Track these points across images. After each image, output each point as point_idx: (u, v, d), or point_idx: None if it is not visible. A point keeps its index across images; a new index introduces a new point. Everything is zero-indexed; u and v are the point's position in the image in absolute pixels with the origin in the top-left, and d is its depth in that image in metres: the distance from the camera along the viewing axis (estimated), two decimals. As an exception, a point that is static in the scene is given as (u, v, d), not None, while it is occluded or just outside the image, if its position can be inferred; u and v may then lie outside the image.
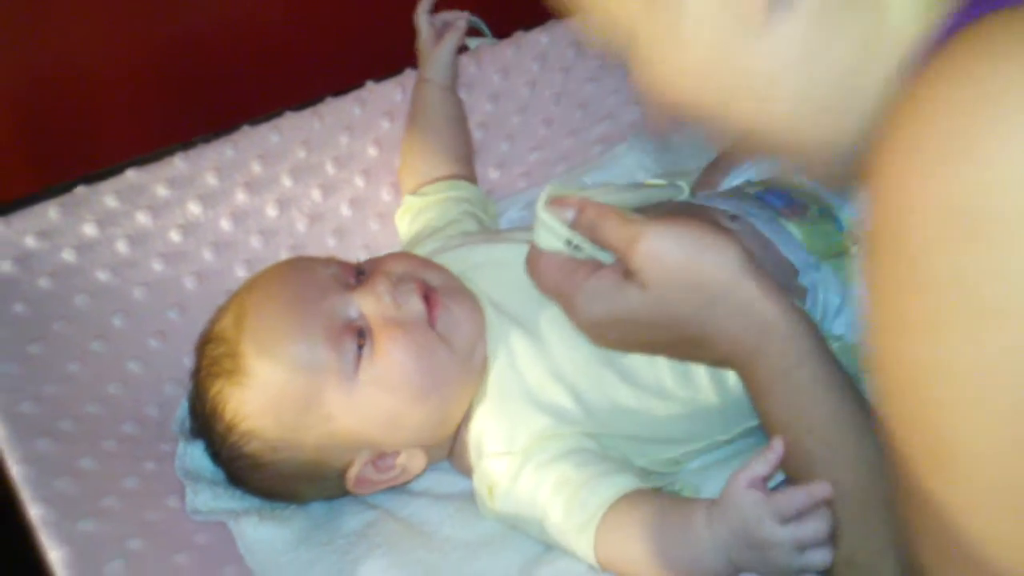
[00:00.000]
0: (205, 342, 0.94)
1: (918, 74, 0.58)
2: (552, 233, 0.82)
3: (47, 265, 1.02)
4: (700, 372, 0.93)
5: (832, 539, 0.73)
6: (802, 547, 0.72)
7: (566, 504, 0.85)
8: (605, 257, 0.82)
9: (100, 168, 1.09)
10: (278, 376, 0.88)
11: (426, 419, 0.91)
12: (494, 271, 0.98)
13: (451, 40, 1.17)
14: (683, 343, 0.81)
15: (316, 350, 0.88)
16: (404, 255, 0.99)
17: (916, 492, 0.62)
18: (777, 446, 0.74)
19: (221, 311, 0.95)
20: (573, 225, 0.82)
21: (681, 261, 0.77)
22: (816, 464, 0.76)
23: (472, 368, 0.92)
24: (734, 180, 1.11)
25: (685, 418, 0.93)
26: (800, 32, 0.63)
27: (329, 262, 0.95)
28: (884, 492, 0.69)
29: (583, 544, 0.84)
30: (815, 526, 0.72)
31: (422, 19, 1.18)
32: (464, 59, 1.21)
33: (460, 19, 1.19)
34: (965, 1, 0.58)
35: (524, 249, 0.92)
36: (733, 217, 0.98)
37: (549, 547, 0.90)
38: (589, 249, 0.82)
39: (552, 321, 0.93)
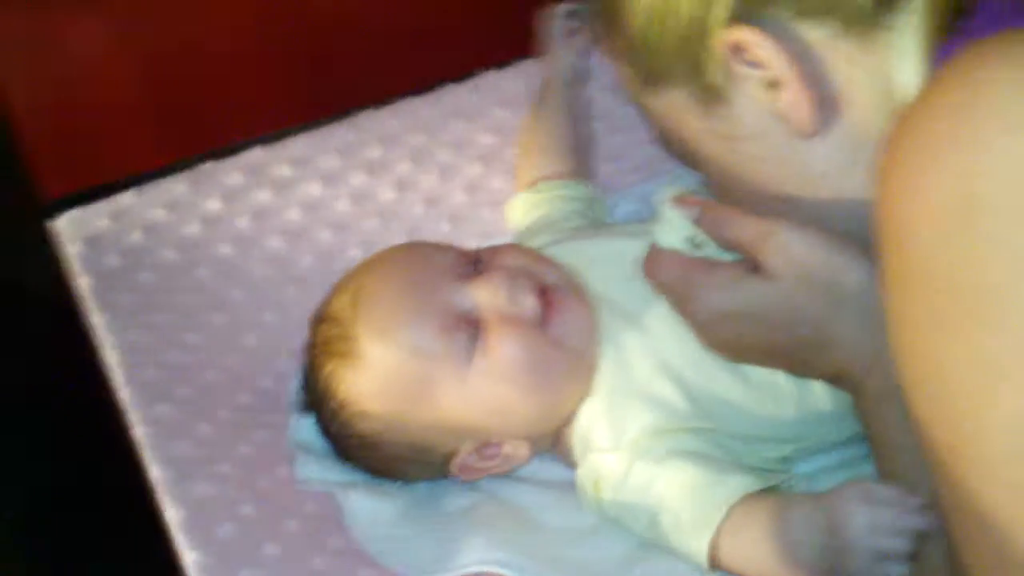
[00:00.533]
0: (320, 320, 0.96)
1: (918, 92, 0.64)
2: (675, 230, 0.82)
3: (174, 237, 1.06)
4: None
5: (909, 559, 0.75)
6: (881, 558, 0.75)
7: (683, 503, 0.85)
8: (726, 258, 0.82)
9: (227, 145, 1.13)
10: (390, 362, 0.89)
11: (533, 414, 0.92)
12: (605, 265, 0.99)
13: (581, 39, 1.17)
14: (800, 347, 0.80)
15: (429, 339, 0.89)
16: (521, 248, 1.00)
17: (947, 488, 0.63)
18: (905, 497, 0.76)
19: (337, 290, 0.97)
20: (698, 222, 0.82)
21: (814, 257, 0.77)
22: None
23: (582, 367, 0.92)
24: None
25: (796, 418, 0.93)
26: (846, 136, 0.74)
27: (447, 249, 0.97)
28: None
29: (697, 544, 0.84)
30: (898, 544, 0.74)
31: (555, 15, 1.19)
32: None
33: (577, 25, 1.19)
34: (959, 29, 0.66)
35: (635, 244, 0.93)
36: None
37: (644, 544, 0.90)
38: (711, 249, 0.82)
39: (662, 317, 0.93)
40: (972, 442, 0.59)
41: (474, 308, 0.90)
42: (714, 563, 0.85)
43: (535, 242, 1.07)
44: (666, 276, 0.84)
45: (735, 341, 0.83)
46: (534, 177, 1.15)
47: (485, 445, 0.93)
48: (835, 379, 0.81)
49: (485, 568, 0.85)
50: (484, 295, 0.90)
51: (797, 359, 0.82)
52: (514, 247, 1.00)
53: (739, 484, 0.85)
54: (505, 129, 1.20)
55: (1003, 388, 0.57)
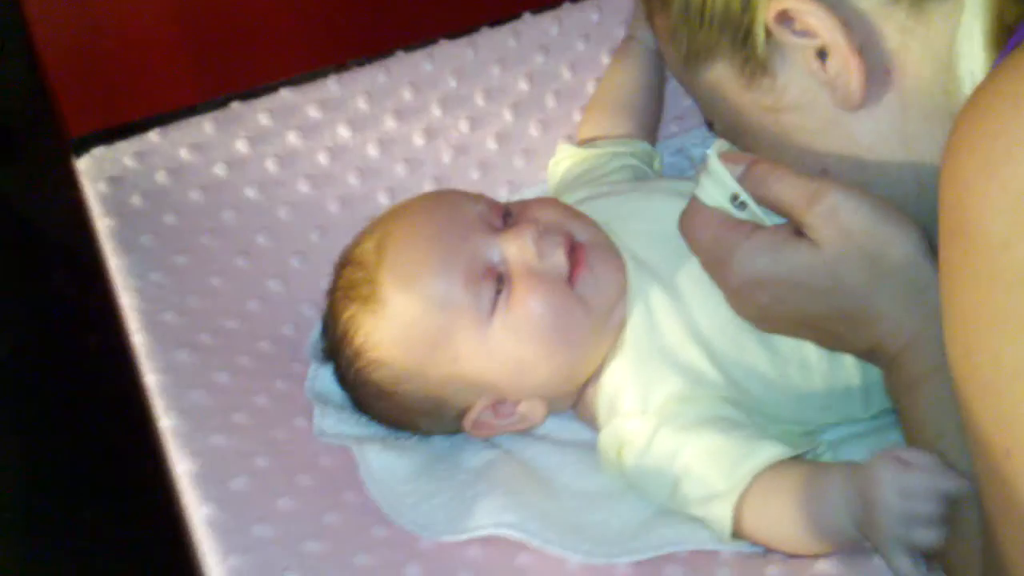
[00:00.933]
0: (344, 263, 0.95)
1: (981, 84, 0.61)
2: (719, 186, 0.80)
3: (199, 178, 1.05)
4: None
5: (943, 526, 0.72)
6: (909, 521, 0.73)
7: (708, 471, 0.84)
8: (768, 221, 0.79)
9: (257, 86, 1.10)
10: (412, 310, 0.88)
11: (554, 373, 0.90)
12: (639, 223, 0.96)
13: None
14: (837, 319, 0.77)
15: (453, 289, 0.87)
16: (554, 202, 0.98)
17: (996, 487, 0.61)
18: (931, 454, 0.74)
19: (364, 234, 0.95)
20: (743, 179, 0.79)
21: (863, 225, 0.74)
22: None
23: (608, 327, 0.90)
24: None
25: (824, 392, 0.91)
26: (896, 108, 0.72)
27: (478, 198, 0.94)
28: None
29: (721, 512, 0.83)
30: (929, 506, 0.72)
31: None
32: (627, -3, 1.18)
33: None
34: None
35: (673, 202, 0.91)
36: None
37: (661, 510, 0.89)
38: (754, 208, 0.79)
39: (694, 279, 0.90)
40: None
41: (501, 261, 0.89)
42: (738, 532, 0.83)
43: (571, 197, 1.04)
44: (702, 235, 0.81)
45: (768, 309, 0.80)
46: (592, 135, 1.12)
47: (501, 402, 0.92)
48: (868, 354, 0.79)
49: (498, 531, 0.84)
50: (512, 248, 0.88)
51: (831, 332, 0.79)
52: (547, 201, 0.97)
53: (766, 453, 0.83)
54: (541, 75, 1.17)
55: None
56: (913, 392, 0.76)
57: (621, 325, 0.91)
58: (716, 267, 0.81)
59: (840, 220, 0.74)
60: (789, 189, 0.77)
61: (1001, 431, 0.59)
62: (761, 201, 0.79)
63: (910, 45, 0.71)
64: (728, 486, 0.83)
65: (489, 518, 0.85)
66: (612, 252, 0.93)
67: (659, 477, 0.87)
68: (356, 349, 0.91)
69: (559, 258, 0.88)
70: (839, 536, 0.79)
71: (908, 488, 0.73)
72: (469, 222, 0.91)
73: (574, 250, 0.90)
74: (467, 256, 0.88)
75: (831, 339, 0.81)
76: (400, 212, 0.95)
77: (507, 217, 0.93)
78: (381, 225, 0.94)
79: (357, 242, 0.95)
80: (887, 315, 0.75)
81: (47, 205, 0.96)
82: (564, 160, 1.11)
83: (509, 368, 0.89)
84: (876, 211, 0.74)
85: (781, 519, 0.81)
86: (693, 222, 0.82)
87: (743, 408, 0.90)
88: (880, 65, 0.71)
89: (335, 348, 0.94)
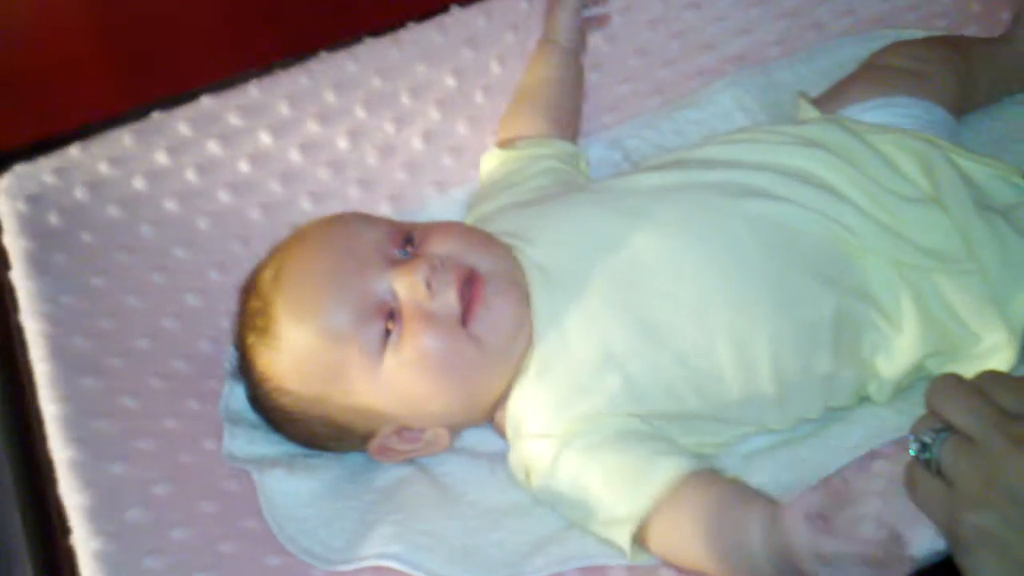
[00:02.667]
0: (246, 289, 0.95)
1: None
2: None
3: (118, 193, 1.04)
4: (762, 358, 0.89)
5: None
6: None
7: (610, 494, 0.84)
8: None
9: (178, 93, 1.09)
10: (304, 345, 0.88)
11: (450, 407, 0.91)
12: (555, 235, 0.95)
13: (572, 2, 1.12)
14: None
15: (344, 326, 0.87)
16: (456, 229, 0.96)
17: None
18: (842, 488, 0.73)
19: (266, 260, 0.95)
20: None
21: None
22: None
23: (508, 360, 0.90)
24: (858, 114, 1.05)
25: (739, 403, 0.90)
26: None
27: (379, 224, 0.93)
28: None
29: (620, 536, 0.83)
30: (849, 573, 0.70)
31: None
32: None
33: None
34: None
35: (592, 212, 0.93)
36: None
37: (570, 526, 0.89)
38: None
39: (608, 296, 0.90)
40: None
41: (393, 298, 0.88)
42: (645, 548, 0.84)
43: (493, 203, 1.04)
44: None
45: None
46: (513, 135, 1.11)
47: (406, 428, 0.92)
48: None
49: (381, 562, 0.85)
50: (404, 285, 0.87)
51: None
52: (450, 228, 0.95)
53: (664, 472, 0.82)
54: (469, 71, 1.14)
55: None
56: None
57: (524, 353, 0.90)
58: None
59: None
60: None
61: None
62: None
63: None
64: (628, 511, 0.82)
65: (376, 548, 0.86)
66: (511, 284, 0.91)
67: (564, 499, 0.87)
68: (258, 376, 0.91)
69: (450, 298, 0.87)
70: (757, 574, 0.78)
71: (826, 555, 0.71)
72: (365, 255, 0.90)
73: (471, 284, 0.89)
74: (359, 293, 0.88)
75: None
76: (299, 241, 0.94)
77: (408, 243, 0.91)
78: (280, 253, 0.94)
79: (260, 268, 0.95)
80: None
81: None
82: (488, 163, 1.10)
83: (405, 403, 0.89)
84: None
85: (693, 546, 0.80)
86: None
87: (653, 422, 0.89)
88: None
89: (243, 371, 0.94)
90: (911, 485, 0.78)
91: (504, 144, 1.10)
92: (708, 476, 0.84)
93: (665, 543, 0.83)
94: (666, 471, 0.83)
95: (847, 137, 0.97)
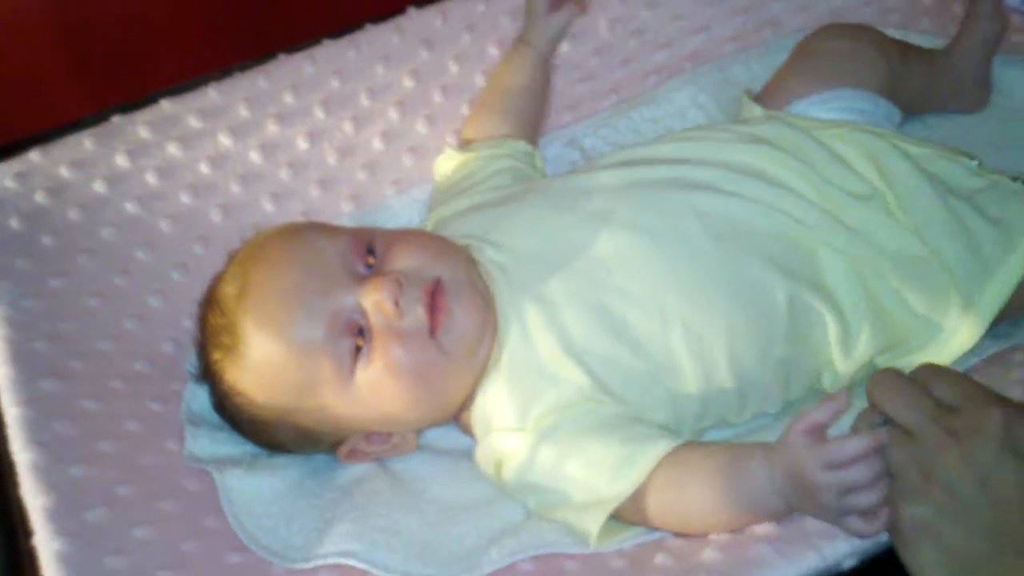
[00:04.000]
0: (208, 303, 0.95)
1: None
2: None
3: (78, 196, 1.05)
4: (718, 350, 0.91)
5: (878, 483, 0.75)
6: (845, 491, 0.76)
7: (595, 477, 0.85)
8: None
9: (139, 96, 1.10)
10: (274, 362, 0.89)
11: (420, 415, 0.93)
12: (515, 237, 0.96)
13: (566, 15, 1.13)
14: None
15: (314, 344, 0.88)
16: (419, 237, 0.96)
17: None
18: (841, 397, 0.77)
19: (227, 273, 0.95)
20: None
21: None
22: None
23: (474, 363, 0.91)
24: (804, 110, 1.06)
25: (699, 396, 0.92)
26: None
27: (340, 236, 0.94)
28: None
29: (596, 516, 0.85)
30: (858, 472, 0.75)
31: None
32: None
33: None
34: None
35: (547, 213, 0.94)
36: None
37: (529, 515, 0.90)
38: None
39: (566, 292, 0.92)
40: None
41: (361, 315, 0.89)
42: (640, 522, 0.86)
43: (452, 207, 1.05)
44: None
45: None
46: (475, 135, 1.12)
47: (373, 433, 0.93)
48: None
49: (341, 560, 0.86)
50: (372, 303, 0.88)
51: None
52: (412, 237, 0.96)
53: (657, 447, 0.85)
54: (427, 71, 1.16)
55: None
56: None
57: (488, 356, 0.92)
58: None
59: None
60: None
61: None
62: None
63: None
64: (617, 491, 0.84)
65: (335, 546, 0.87)
66: (472, 290, 0.92)
67: (539, 488, 0.89)
68: (226, 389, 0.92)
69: (419, 314, 0.88)
70: (769, 514, 0.82)
71: (833, 461, 0.75)
72: (330, 271, 0.90)
73: (435, 295, 0.90)
74: (328, 310, 0.88)
75: None
76: (260, 254, 0.93)
77: (369, 254, 0.92)
78: (242, 266, 0.93)
79: (221, 280, 0.94)
80: None
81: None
82: (445, 164, 1.11)
83: (375, 413, 0.91)
84: None
85: (703, 505, 0.83)
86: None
87: (620, 411, 0.90)
88: None
89: (208, 383, 0.95)
90: None
91: (466, 143, 1.11)
92: (695, 444, 0.87)
93: (666, 510, 0.85)
94: (653, 451, 0.85)
95: (794, 133, 0.99)
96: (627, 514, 0.86)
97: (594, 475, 0.86)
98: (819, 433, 0.78)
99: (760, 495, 0.81)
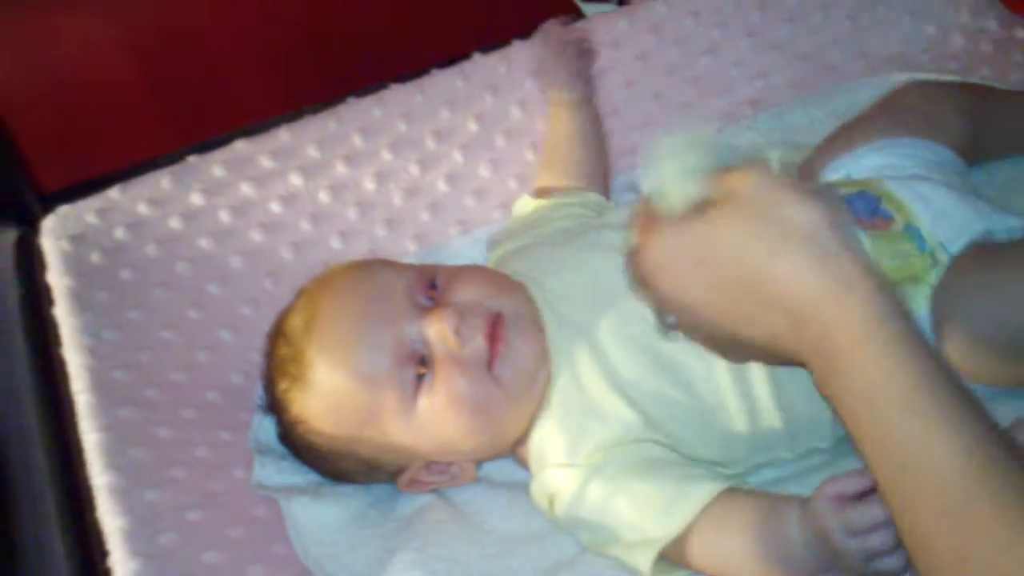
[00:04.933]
0: (276, 335, 0.99)
1: None
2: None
3: (155, 232, 1.10)
4: (761, 387, 0.91)
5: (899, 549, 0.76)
6: (869, 556, 0.78)
7: (642, 517, 0.87)
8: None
9: (214, 137, 1.15)
10: (339, 391, 0.92)
11: (479, 445, 0.95)
12: (565, 275, 0.99)
13: (568, 58, 1.16)
14: (748, 293, 0.74)
15: (378, 373, 0.91)
16: (479, 273, 1.00)
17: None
18: (868, 475, 0.74)
19: (295, 305, 0.98)
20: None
21: (764, 194, 0.73)
22: (908, 442, 0.68)
23: (530, 397, 0.94)
24: (833, 173, 1.07)
25: (748, 434, 0.93)
26: None
27: (404, 271, 0.97)
28: (997, 475, 0.64)
29: (644, 556, 0.86)
30: (881, 538, 0.77)
31: (540, 38, 1.17)
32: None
33: (573, 33, 1.17)
34: None
35: (597, 254, 0.97)
36: None
37: (584, 550, 0.92)
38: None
39: (613, 331, 0.93)
40: None
41: (424, 345, 0.92)
42: (685, 566, 0.87)
43: (512, 243, 1.08)
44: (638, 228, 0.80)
45: (681, 299, 0.78)
46: (548, 185, 1.15)
47: (434, 462, 0.96)
48: (788, 340, 0.74)
49: (404, 586, 0.88)
50: (435, 333, 0.91)
51: (744, 310, 0.75)
52: (473, 272, 0.99)
53: (702, 491, 0.86)
54: (490, 116, 1.19)
55: None
56: (846, 367, 0.71)
57: (544, 389, 0.94)
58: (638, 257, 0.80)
59: (742, 189, 0.74)
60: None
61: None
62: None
63: None
64: (662, 532, 0.86)
65: (398, 574, 0.89)
66: (532, 325, 0.95)
67: (588, 524, 0.90)
68: (292, 419, 0.96)
69: (479, 344, 0.91)
70: (803, 571, 0.83)
71: (854, 527, 0.77)
72: (395, 302, 0.93)
73: (494, 327, 0.93)
74: (392, 340, 0.91)
75: (746, 322, 0.76)
76: (328, 286, 0.97)
77: (432, 289, 0.95)
78: (310, 299, 0.97)
79: (289, 313, 0.98)
80: (796, 284, 0.71)
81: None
82: (520, 208, 1.14)
83: (436, 441, 0.93)
84: (781, 185, 0.73)
85: (740, 554, 0.85)
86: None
87: (671, 448, 0.92)
88: None
89: (274, 412, 0.99)
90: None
91: (538, 193, 1.14)
92: (739, 491, 0.88)
93: (706, 555, 0.86)
94: (700, 493, 0.86)
95: None
96: (671, 555, 0.87)
97: (642, 514, 0.87)
98: (845, 499, 0.79)
99: (794, 550, 0.82)
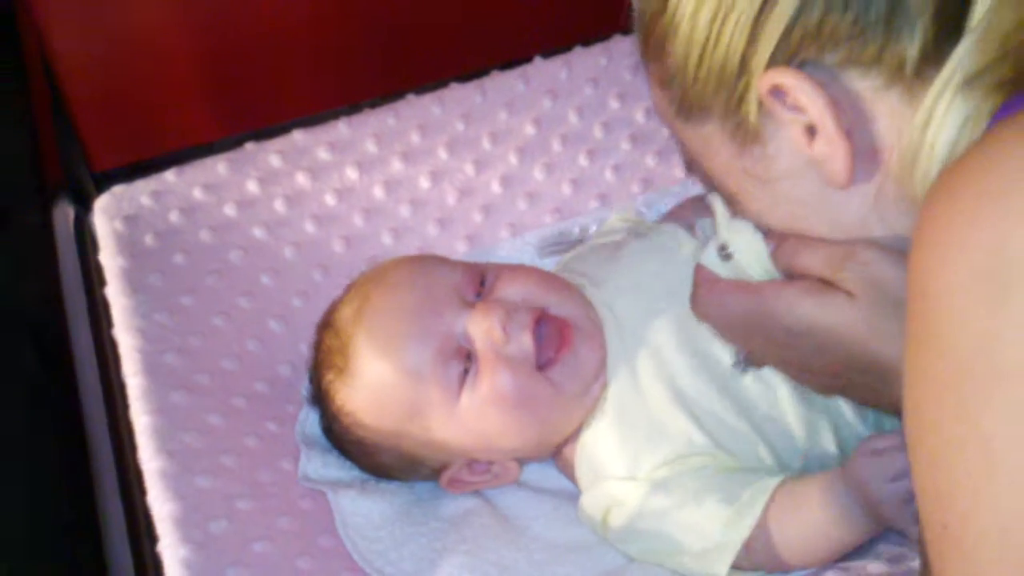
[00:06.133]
0: (325, 325, 0.99)
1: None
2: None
3: (209, 218, 1.10)
4: (819, 405, 0.91)
5: None
6: (904, 501, 0.79)
7: (707, 523, 0.87)
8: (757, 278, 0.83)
9: (271, 125, 1.15)
10: (384, 383, 0.92)
11: (523, 443, 0.94)
12: (621, 278, 0.98)
13: None
14: (874, 371, 0.77)
15: (423, 367, 0.91)
16: (528, 272, 0.99)
17: (933, 554, 0.61)
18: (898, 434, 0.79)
19: (345, 297, 0.99)
20: (775, 253, 0.81)
21: (894, 276, 0.75)
22: None
23: (584, 403, 0.93)
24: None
25: (801, 451, 0.92)
26: (882, 190, 0.72)
27: (454, 267, 0.97)
28: None
29: (721, 560, 0.86)
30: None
31: None
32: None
33: None
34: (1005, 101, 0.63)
35: (659, 259, 0.96)
36: None
37: (631, 561, 0.92)
38: (740, 261, 0.82)
39: (677, 343, 0.92)
40: (963, 528, 0.58)
41: (470, 340, 0.92)
42: (748, 566, 0.87)
43: (579, 249, 1.07)
44: (728, 301, 0.82)
45: (811, 360, 0.81)
46: None
47: (475, 461, 0.96)
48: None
49: (454, 587, 0.88)
50: (480, 329, 0.91)
51: (867, 385, 0.79)
52: (522, 271, 0.99)
53: (760, 494, 0.86)
54: (548, 120, 1.19)
55: (1001, 480, 0.55)
56: None
57: (599, 396, 0.93)
58: (753, 329, 0.82)
59: (873, 272, 0.76)
60: (823, 252, 0.78)
61: (940, 505, 0.60)
62: (792, 270, 0.80)
63: (901, 128, 0.70)
64: (732, 537, 0.86)
65: (447, 573, 0.89)
66: (596, 330, 0.94)
67: (652, 537, 0.90)
68: (335, 411, 0.96)
69: (524, 341, 0.91)
70: (866, 534, 0.85)
71: (891, 472, 0.79)
72: (443, 297, 0.93)
73: (548, 326, 0.92)
74: (438, 335, 0.91)
75: (866, 392, 0.81)
76: (379, 280, 0.97)
77: (482, 286, 0.95)
78: (361, 291, 0.97)
79: (339, 303, 0.98)
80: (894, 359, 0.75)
81: (24, 281, 1.01)
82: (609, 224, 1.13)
83: (479, 439, 0.93)
84: (901, 261, 0.74)
85: (805, 534, 0.85)
86: (711, 296, 0.84)
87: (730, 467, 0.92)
88: (869, 146, 0.71)
89: (319, 403, 0.99)
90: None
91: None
92: (790, 480, 0.88)
93: (777, 546, 0.86)
94: (760, 491, 0.86)
95: None
96: (739, 556, 0.87)
97: (710, 523, 0.87)
98: (879, 453, 0.81)
99: (848, 514, 0.83)
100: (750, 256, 0.82)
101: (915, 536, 0.78)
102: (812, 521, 0.85)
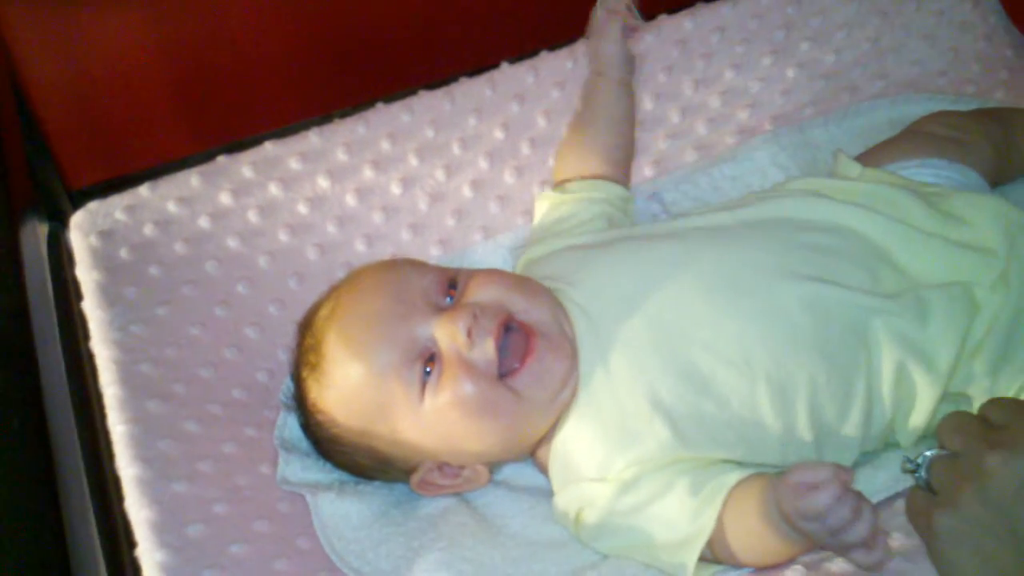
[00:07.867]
0: (304, 325, 1.00)
1: None
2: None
3: (184, 231, 1.11)
4: (800, 405, 0.92)
5: (860, 516, 0.77)
6: (832, 533, 0.78)
7: (681, 516, 0.88)
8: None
9: (243, 138, 1.16)
10: (350, 383, 0.93)
11: (487, 449, 0.95)
12: (597, 279, 0.99)
13: (611, 30, 1.14)
14: None
15: (388, 368, 0.92)
16: (499, 276, 1.00)
17: None
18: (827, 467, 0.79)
19: (323, 299, 1.00)
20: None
21: None
22: None
23: (552, 409, 0.94)
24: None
25: (778, 451, 0.94)
26: None
27: (427, 271, 0.98)
28: None
29: (690, 552, 0.87)
30: (837, 515, 0.78)
31: (595, 12, 1.16)
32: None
33: (619, 5, 1.15)
34: None
35: (634, 261, 0.97)
36: None
37: (605, 556, 0.93)
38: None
39: (653, 343, 0.93)
40: None
41: (435, 344, 0.93)
42: (715, 559, 0.89)
43: (543, 247, 1.08)
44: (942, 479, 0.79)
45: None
46: (567, 176, 1.15)
47: (445, 464, 0.97)
48: None
49: (430, 585, 0.89)
50: (445, 333, 0.92)
51: None
52: (493, 276, 0.99)
53: (721, 487, 0.88)
54: (516, 124, 1.20)
55: None
56: None
57: (569, 401, 0.94)
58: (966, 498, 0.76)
59: None
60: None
61: None
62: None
63: None
64: (696, 528, 0.87)
65: (425, 573, 0.90)
66: (563, 338, 0.94)
67: (623, 532, 0.91)
68: (309, 407, 0.97)
69: (488, 348, 0.91)
70: (805, 545, 0.86)
71: (810, 513, 0.79)
72: (411, 301, 0.94)
73: (529, 338, 0.93)
74: (404, 337, 0.92)
75: None
76: (353, 284, 0.99)
77: (452, 288, 0.96)
78: (335, 294, 0.99)
79: (317, 306, 1.00)
80: None
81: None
82: (540, 205, 1.14)
83: (444, 441, 0.94)
84: None
85: (757, 533, 0.86)
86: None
87: (702, 465, 0.93)
88: None
89: (297, 402, 1.00)
90: (908, 504, 0.82)
91: (558, 185, 1.14)
92: (752, 477, 0.89)
93: (733, 541, 0.88)
94: (720, 485, 0.88)
95: (896, 192, 1.01)
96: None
97: (678, 515, 0.88)
98: (797, 487, 0.80)
99: (779, 527, 0.84)
100: None
101: (854, 560, 0.80)
102: (753, 527, 0.86)
